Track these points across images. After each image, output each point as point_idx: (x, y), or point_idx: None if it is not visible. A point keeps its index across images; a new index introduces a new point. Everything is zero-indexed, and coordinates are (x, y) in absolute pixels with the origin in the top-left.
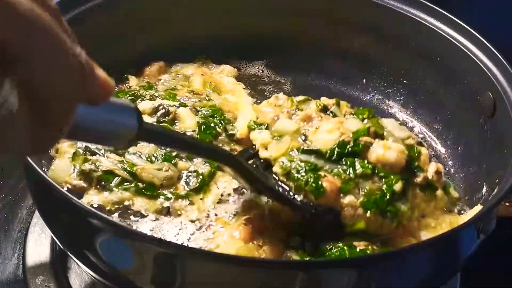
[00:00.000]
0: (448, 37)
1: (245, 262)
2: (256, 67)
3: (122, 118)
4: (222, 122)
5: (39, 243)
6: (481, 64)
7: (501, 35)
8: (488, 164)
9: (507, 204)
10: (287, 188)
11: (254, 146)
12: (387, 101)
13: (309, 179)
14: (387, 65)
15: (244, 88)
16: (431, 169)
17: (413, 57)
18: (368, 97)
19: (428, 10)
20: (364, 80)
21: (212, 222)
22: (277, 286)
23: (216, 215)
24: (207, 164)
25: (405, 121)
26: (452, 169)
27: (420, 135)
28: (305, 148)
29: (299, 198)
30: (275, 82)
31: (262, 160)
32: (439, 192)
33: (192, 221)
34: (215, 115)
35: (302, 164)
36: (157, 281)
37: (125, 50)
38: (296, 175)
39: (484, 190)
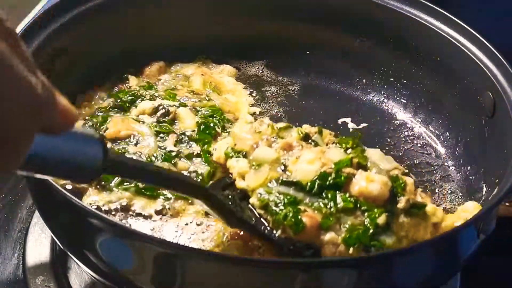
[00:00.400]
0: (448, 37)
1: (245, 262)
2: (256, 67)
3: (85, 148)
4: (222, 122)
5: (39, 243)
6: (481, 64)
7: (501, 35)
8: (488, 164)
9: (507, 204)
10: (265, 222)
11: (230, 175)
12: (386, 101)
13: (288, 213)
14: (387, 65)
15: (244, 88)
16: (418, 198)
17: (413, 57)
18: (368, 97)
19: (428, 10)
20: (364, 80)
21: (211, 222)
22: (277, 286)
23: (215, 215)
24: (207, 164)
25: (405, 121)
26: (452, 169)
27: (420, 135)
28: (284, 179)
29: (277, 233)
30: (275, 82)
31: (239, 191)
32: (429, 208)
33: (192, 221)
34: (215, 115)
35: (281, 197)
36: (157, 281)
37: (125, 50)
38: (274, 208)
39: (484, 190)
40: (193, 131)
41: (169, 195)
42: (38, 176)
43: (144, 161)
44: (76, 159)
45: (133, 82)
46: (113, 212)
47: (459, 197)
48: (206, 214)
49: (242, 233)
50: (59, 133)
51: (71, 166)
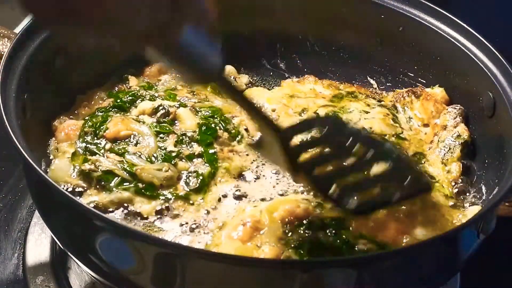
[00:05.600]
0: (448, 37)
1: (245, 262)
2: (256, 67)
3: (211, 52)
4: (222, 122)
5: (39, 243)
6: (481, 64)
7: (501, 35)
8: (488, 164)
9: (507, 204)
10: None
11: None
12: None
13: None
14: (387, 65)
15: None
16: None
17: (413, 57)
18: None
19: (428, 10)
20: (365, 80)
21: (211, 222)
22: (277, 286)
23: (215, 215)
24: (207, 165)
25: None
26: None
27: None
28: None
29: None
30: (276, 82)
31: None
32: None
33: (192, 222)
34: (215, 116)
35: None
36: (157, 281)
37: (125, 50)
38: None
39: (484, 190)
40: (194, 131)
41: (169, 195)
42: (166, 57)
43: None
44: (204, 53)
45: (133, 82)
46: (113, 212)
47: (459, 197)
48: (205, 214)
49: (242, 233)
50: (202, 25)
51: (201, 61)
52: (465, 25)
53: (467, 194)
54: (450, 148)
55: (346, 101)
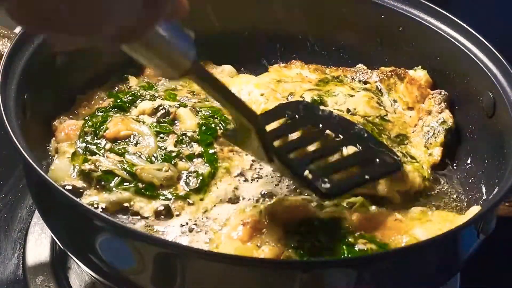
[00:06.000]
0: (448, 37)
1: (245, 262)
2: (256, 67)
3: (185, 44)
4: (222, 122)
5: (39, 243)
6: (481, 64)
7: (501, 35)
8: (488, 164)
9: (507, 204)
10: None
11: None
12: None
13: None
14: (387, 66)
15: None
16: None
17: (413, 57)
18: None
19: (428, 10)
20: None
21: (211, 223)
22: (277, 286)
23: (215, 215)
24: (207, 165)
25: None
26: (452, 169)
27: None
28: None
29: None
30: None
31: None
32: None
33: (192, 222)
34: (216, 116)
35: None
36: (157, 281)
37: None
38: None
39: (484, 190)
40: (194, 131)
41: (169, 195)
42: (140, 53)
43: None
44: (177, 49)
45: (133, 82)
46: (113, 212)
47: (459, 197)
48: (205, 214)
49: (242, 233)
50: (175, 18)
51: (173, 55)
52: (465, 25)
53: (441, 182)
54: (434, 133)
55: (331, 85)
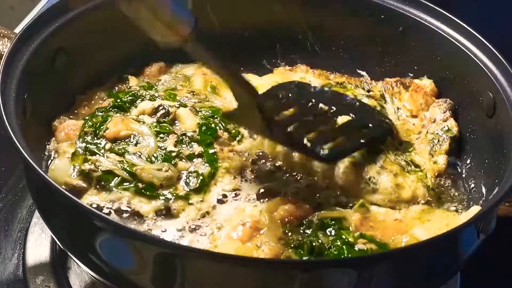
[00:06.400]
0: (448, 37)
1: (245, 262)
2: (256, 67)
3: (185, 13)
4: (222, 122)
5: (39, 243)
6: (481, 64)
7: (501, 35)
8: (488, 164)
9: (507, 204)
10: None
11: None
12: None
13: None
14: (387, 65)
15: None
16: None
17: (413, 57)
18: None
19: (428, 10)
20: (365, 80)
21: (211, 223)
22: (277, 286)
23: (215, 215)
24: (207, 165)
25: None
26: (452, 169)
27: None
28: None
29: None
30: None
31: None
32: None
33: (192, 222)
34: (216, 116)
35: None
36: (157, 281)
37: (125, 50)
38: None
39: (484, 190)
40: (194, 131)
41: (169, 195)
42: (145, 17)
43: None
44: (178, 12)
45: (133, 82)
46: (113, 212)
47: (459, 197)
48: (205, 214)
49: (241, 233)
50: None
51: (173, 16)
52: (465, 25)
53: (441, 182)
54: (439, 141)
55: None
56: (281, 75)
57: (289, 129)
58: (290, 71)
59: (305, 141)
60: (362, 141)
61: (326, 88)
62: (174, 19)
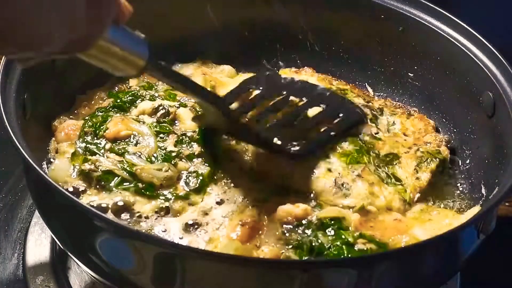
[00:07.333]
0: (448, 37)
1: (245, 262)
2: (256, 67)
3: (137, 44)
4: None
5: (39, 243)
6: (481, 64)
7: (501, 35)
8: (488, 164)
9: (507, 204)
10: None
11: None
12: (386, 100)
13: None
14: (387, 65)
15: None
16: None
17: (413, 57)
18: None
19: (428, 10)
20: (366, 81)
21: (211, 223)
22: (277, 286)
23: (215, 215)
24: (207, 165)
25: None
26: (452, 169)
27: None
28: None
29: None
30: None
31: None
32: None
33: (192, 222)
34: None
35: None
36: (157, 281)
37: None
38: None
39: (484, 190)
40: (194, 131)
41: (169, 196)
42: (96, 58)
43: (179, 73)
44: (130, 50)
45: (133, 82)
46: (113, 212)
47: (459, 197)
48: (205, 214)
49: (241, 233)
50: (122, 22)
51: (126, 55)
52: (465, 25)
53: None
54: (427, 159)
55: None
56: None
57: (258, 128)
58: (296, 73)
59: (275, 140)
60: (332, 133)
61: (296, 79)
62: (129, 56)
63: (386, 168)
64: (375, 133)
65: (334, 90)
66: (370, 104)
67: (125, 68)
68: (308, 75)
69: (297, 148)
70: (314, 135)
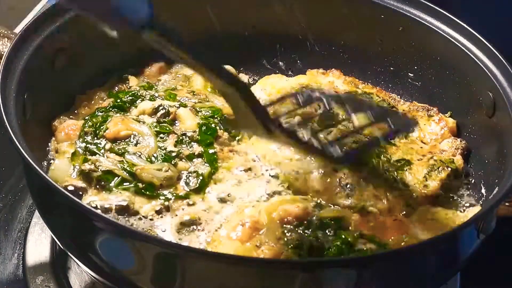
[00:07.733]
0: (448, 37)
1: (245, 262)
2: (256, 67)
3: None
4: (222, 122)
5: (39, 243)
6: (481, 64)
7: (501, 35)
8: (488, 164)
9: (507, 204)
10: None
11: None
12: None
13: None
14: (387, 66)
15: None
16: None
17: (413, 57)
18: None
19: (428, 10)
20: (366, 81)
21: (211, 223)
22: (277, 286)
23: (214, 215)
24: (207, 165)
25: None
26: (452, 169)
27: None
28: None
29: None
30: None
31: None
32: None
33: (192, 222)
34: (216, 116)
35: None
36: (157, 281)
37: (125, 50)
38: None
39: (484, 190)
40: (194, 131)
41: (169, 195)
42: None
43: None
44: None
45: (133, 82)
46: (113, 212)
47: (459, 197)
48: (205, 214)
49: (241, 233)
50: None
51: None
52: (465, 25)
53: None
54: (439, 168)
55: None
56: (311, 76)
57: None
58: (323, 74)
59: (315, 142)
60: (380, 138)
61: (333, 93)
62: (125, 7)
63: (395, 173)
64: (390, 139)
65: (360, 94)
66: (394, 109)
67: (123, 23)
68: (335, 77)
69: (338, 151)
70: (361, 138)
